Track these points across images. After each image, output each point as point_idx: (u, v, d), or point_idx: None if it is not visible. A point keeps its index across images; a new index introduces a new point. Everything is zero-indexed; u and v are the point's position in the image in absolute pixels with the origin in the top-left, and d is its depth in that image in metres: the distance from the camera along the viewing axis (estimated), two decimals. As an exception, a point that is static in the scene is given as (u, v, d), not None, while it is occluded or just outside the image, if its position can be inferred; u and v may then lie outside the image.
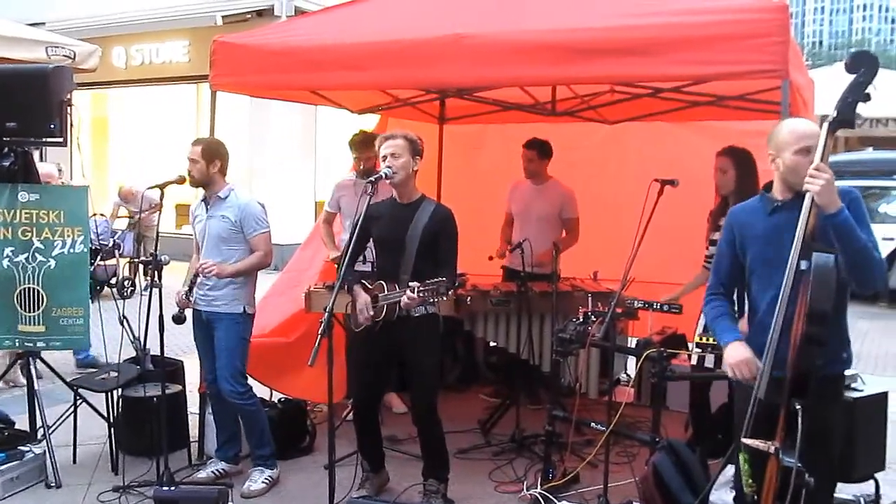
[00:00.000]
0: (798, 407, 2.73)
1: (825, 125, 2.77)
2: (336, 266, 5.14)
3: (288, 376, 5.27)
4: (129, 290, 10.67)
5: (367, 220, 3.95)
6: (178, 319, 4.31)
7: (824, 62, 51.81)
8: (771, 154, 2.99)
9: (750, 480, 2.89)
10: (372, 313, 4.02)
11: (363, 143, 5.34)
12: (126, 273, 10.84)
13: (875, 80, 2.74)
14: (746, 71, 3.72)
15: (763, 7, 3.74)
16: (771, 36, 3.58)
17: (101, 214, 10.62)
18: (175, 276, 4.74)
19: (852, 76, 2.77)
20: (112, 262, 10.47)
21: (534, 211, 5.83)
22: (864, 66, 2.75)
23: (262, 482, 4.48)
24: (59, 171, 8.36)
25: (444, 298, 3.89)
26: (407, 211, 4.10)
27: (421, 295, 3.73)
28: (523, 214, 5.90)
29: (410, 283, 3.80)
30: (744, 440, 2.87)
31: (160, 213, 5.33)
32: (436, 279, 3.73)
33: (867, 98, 2.75)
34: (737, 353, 2.98)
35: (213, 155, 4.42)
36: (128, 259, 11.00)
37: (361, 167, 5.41)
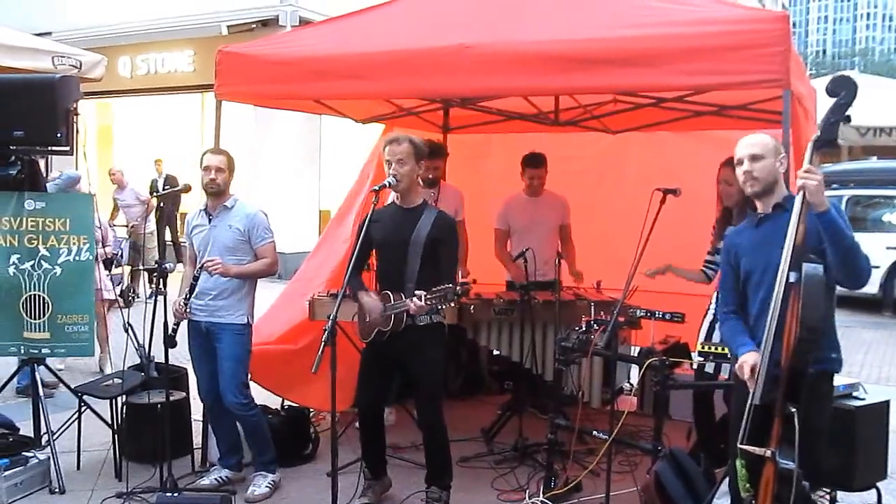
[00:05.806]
0: (793, 410, 2.84)
1: (810, 144, 2.99)
2: None
3: (295, 384, 5.26)
4: (131, 299, 10.67)
5: (369, 224, 3.97)
6: (171, 342, 4.28)
7: (828, 71, 51.89)
8: None
9: (747, 485, 2.95)
10: (382, 313, 4.03)
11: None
12: (128, 281, 10.84)
13: (855, 102, 2.96)
14: (748, 81, 3.74)
15: (764, 17, 3.79)
16: (772, 46, 3.61)
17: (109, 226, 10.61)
18: (178, 285, 4.76)
19: (833, 99, 2.98)
20: (118, 271, 10.45)
21: (538, 223, 5.80)
22: (844, 89, 2.97)
23: (266, 486, 4.50)
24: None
25: (452, 305, 3.93)
26: (410, 215, 4.12)
27: (429, 302, 3.77)
28: (527, 228, 5.82)
29: (417, 292, 3.83)
30: (740, 446, 2.95)
31: (164, 222, 5.36)
32: (442, 286, 3.76)
33: (848, 119, 2.99)
34: (746, 357, 3.10)
35: (232, 166, 4.50)
36: (129, 267, 10.99)
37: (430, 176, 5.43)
